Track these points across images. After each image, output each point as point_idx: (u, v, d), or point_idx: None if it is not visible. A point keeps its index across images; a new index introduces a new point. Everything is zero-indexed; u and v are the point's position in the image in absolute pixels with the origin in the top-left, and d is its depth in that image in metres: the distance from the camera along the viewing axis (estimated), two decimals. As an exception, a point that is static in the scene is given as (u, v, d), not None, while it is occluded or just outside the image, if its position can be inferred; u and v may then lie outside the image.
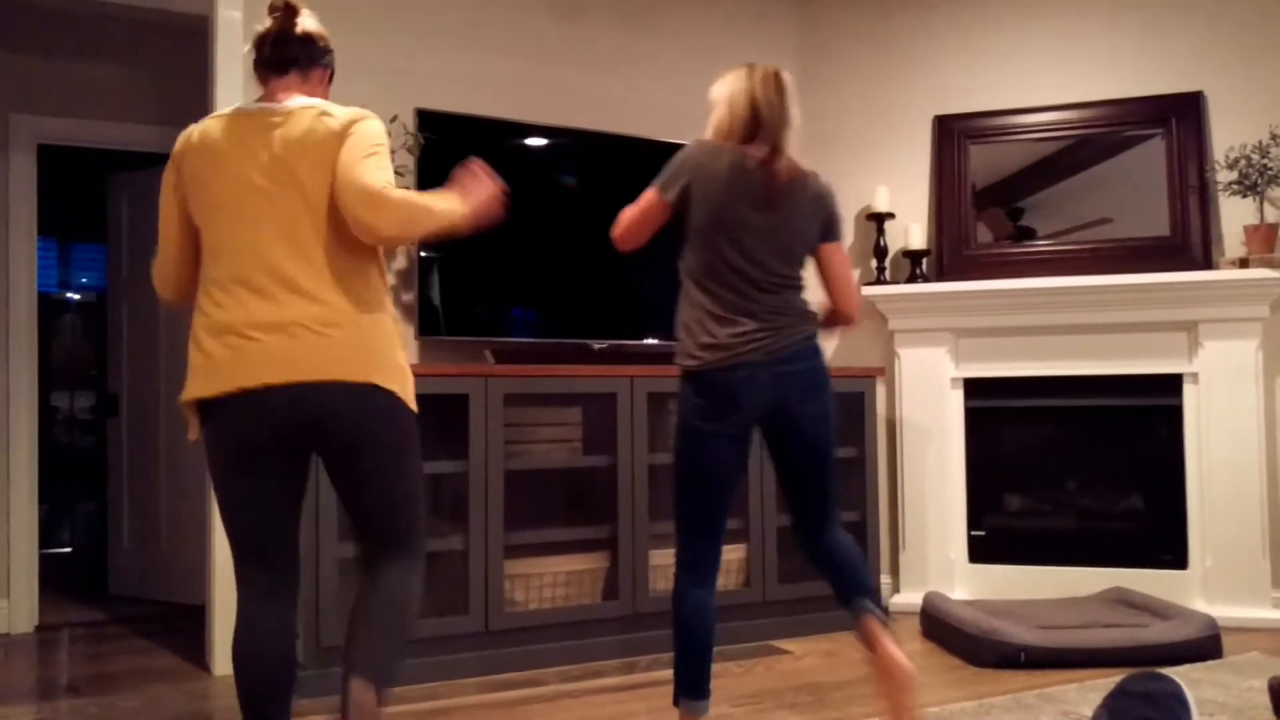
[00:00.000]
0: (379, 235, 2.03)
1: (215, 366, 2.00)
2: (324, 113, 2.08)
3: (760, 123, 2.46)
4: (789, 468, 2.56)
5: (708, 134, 2.52)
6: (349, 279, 2.06)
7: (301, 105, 2.09)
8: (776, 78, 2.49)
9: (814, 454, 2.53)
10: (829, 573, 2.56)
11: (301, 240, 2.02)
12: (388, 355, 2.08)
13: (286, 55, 2.15)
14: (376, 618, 2.06)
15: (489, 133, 3.80)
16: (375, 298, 2.10)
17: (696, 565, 2.49)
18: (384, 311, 2.12)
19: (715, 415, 2.43)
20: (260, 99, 2.14)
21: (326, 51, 2.22)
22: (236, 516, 2.08)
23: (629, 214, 2.52)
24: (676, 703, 2.47)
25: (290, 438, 2.03)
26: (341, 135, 2.05)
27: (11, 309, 4.23)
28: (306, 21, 2.17)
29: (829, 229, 2.57)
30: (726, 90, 2.51)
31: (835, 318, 2.61)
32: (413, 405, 2.13)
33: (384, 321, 2.11)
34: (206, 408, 2.04)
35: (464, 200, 2.16)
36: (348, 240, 2.05)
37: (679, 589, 2.49)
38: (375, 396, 2.04)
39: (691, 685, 2.45)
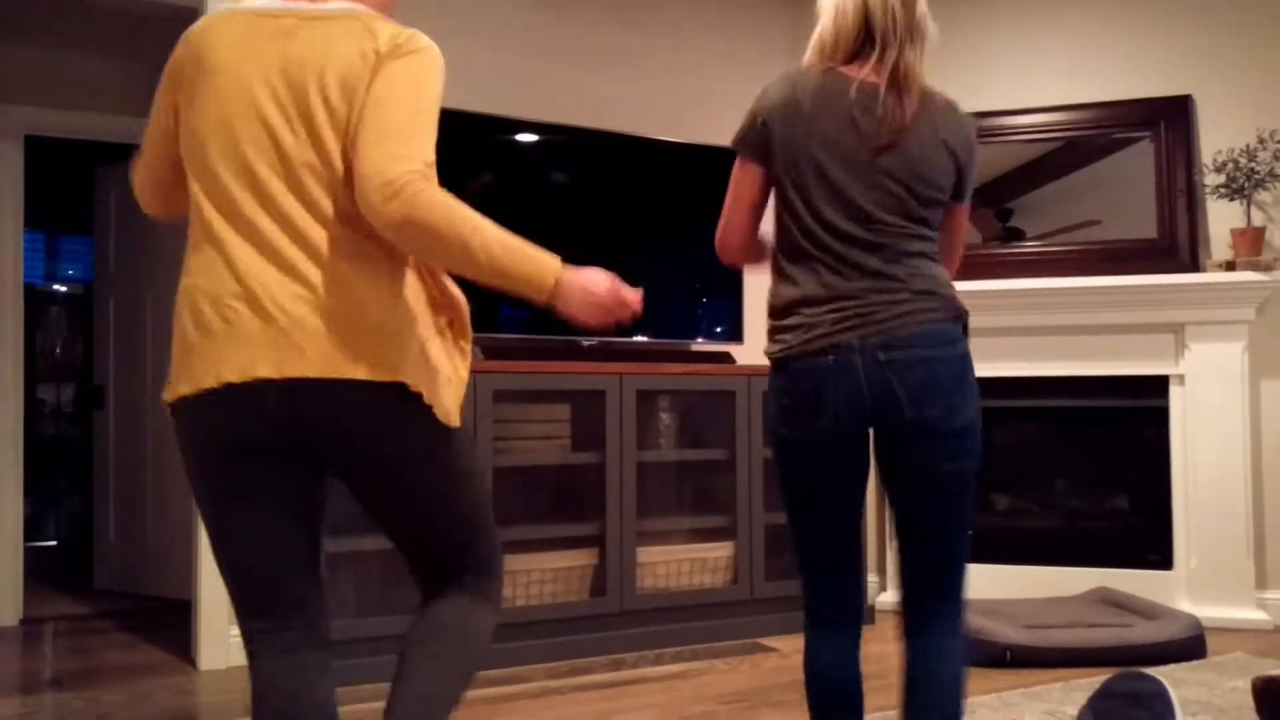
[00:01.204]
0: (385, 235, 1.52)
1: (190, 351, 1.53)
2: (365, 26, 1.58)
3: (872, 34, 1.88)
4: (894, 500, 1.93)
5: (807, 55, 1.99)
6: (363, 249, 1.55)
7: (339, 10, 1.61)
8: None
9: (922, 484, 1.87)
10: (903, 698, 1.91)
11: (307, 190, 1.53)
12: (409, 343, 1.57)
13: None
14: (426, 657, 1.66)
15: (479, 129, 3.79)
16: (395, 276, 1.59)
17: (822, 608, 1.97)
18: (405, 292, 1.61)
19: (797, 418, 1.88)
20: None
21: None
22: (230, 553, 1.63)
23: (724, 217, 1.98)
24: None
25: (285, 449, 1.55)
26: (376, 64, 1.54)
27: (-2, 301, 4.21)
28: None
29: (959, 184, 1.97)
30: None
31: None
32: (447, 409, 1.62)
33: (406, 304, 1.59)
34: (180, 406, 1.57)
35: (565, 290, 1.56)
36: None
37: (807, 642, 1.98)
38: (397, 400, 1.55)
39: None
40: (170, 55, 1.67)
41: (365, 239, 1.56)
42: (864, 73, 1.87)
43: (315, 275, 1.52)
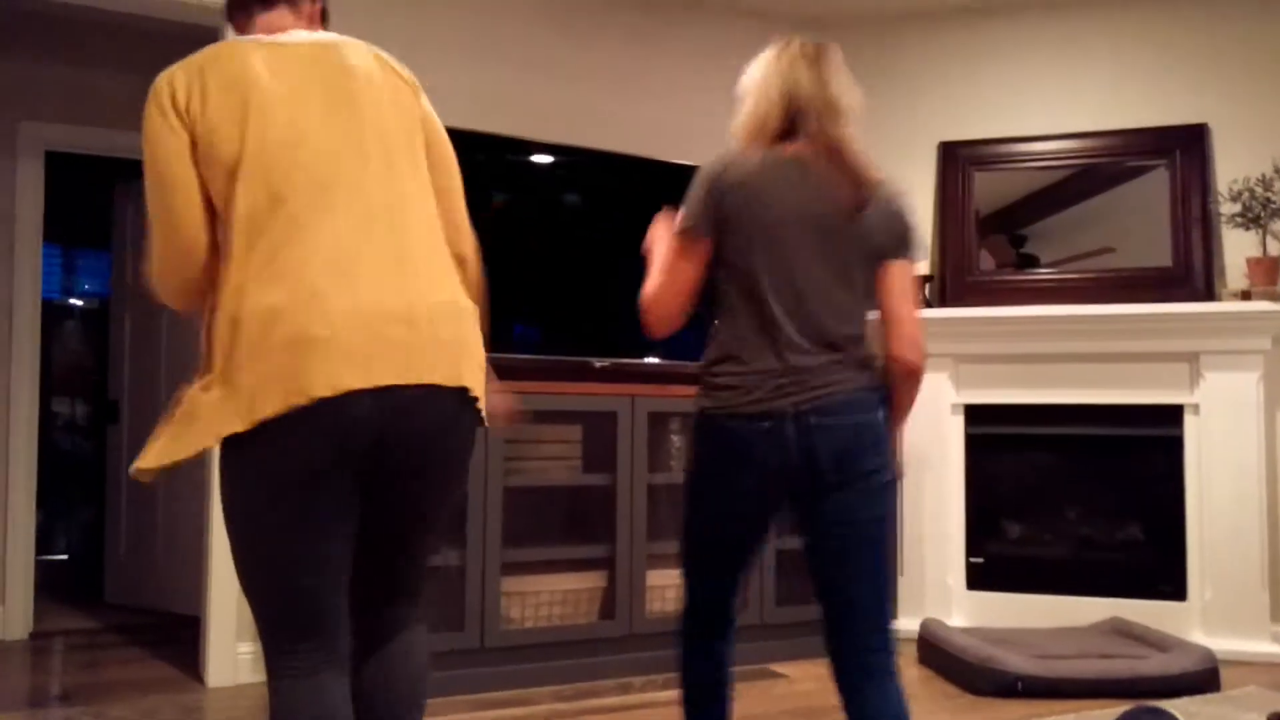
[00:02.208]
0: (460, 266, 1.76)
1: (273, 370, 1.47)
2: (374, 51, 1.72)
3: (798, 114, 1.95)
4: (815, 561, 1.96)
5: (733, 137, 2.04)
6: (445, 253, 1.70)
7: (333, 37, 1.70)
8: (815, 53, 2.00)
9: (844, 543, 1.90)
10: None
11: (402, 201, 1.62)
12: (479, 352, 1.68)
13: None
14: (407, 694, 1.73)
15: (492, 149, 3.80)
16: (464, 284, 1.74)
17: (697, 609, 2.15)
18: (470, 298, 1.73)
19: (721, 474, 1.97)
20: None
21: None
22: (296, 577, 1.55)
23: (650, 282, 2.00)
24: None
25: (363, 462, 1.56)
26: (415, 92, 1.74)
27: (15, 315, 4.23)
28: None
29: (900, 243, 1.97)
30: (754, 78, 2.04)
31: (891, 365, 1.97)
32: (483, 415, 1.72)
33: (474, 310, 1.71)
34: (260, 430, 1.49)
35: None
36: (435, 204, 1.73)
37: (678, 630, 2.16)
38: (464, 406, 1.63)
39: None
40: (165, 103, 1.58)
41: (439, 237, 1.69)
42: (798, 151, 1.94)
43: (398, 282, 1.56)
